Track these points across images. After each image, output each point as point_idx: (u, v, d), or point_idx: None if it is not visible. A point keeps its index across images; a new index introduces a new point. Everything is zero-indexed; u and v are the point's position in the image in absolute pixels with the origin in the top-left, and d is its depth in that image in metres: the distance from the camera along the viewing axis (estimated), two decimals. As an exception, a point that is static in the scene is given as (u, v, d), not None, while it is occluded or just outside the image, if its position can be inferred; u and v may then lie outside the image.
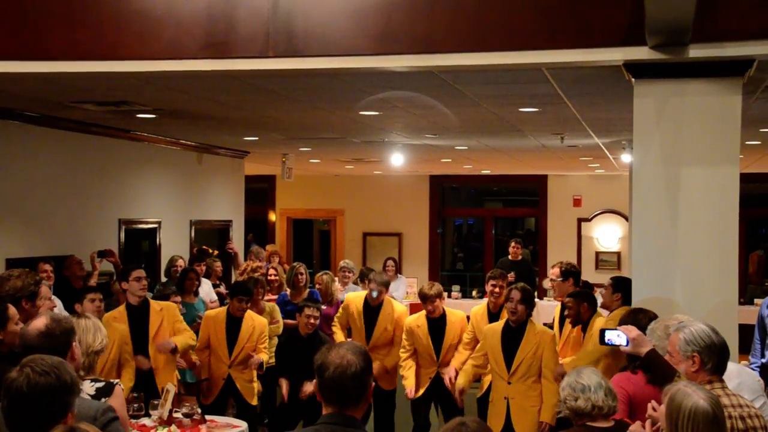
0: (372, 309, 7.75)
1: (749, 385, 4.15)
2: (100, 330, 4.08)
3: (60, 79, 6.06)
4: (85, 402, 3.36)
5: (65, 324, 3.53)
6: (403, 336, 7.48)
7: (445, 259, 18.47)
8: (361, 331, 7.74)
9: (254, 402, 7.35)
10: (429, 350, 7.32)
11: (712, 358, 3.60)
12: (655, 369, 3.72)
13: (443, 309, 7.39)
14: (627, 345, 3.95)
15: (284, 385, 7.31)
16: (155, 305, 6.81)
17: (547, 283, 13.68)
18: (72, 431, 2.52)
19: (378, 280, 7.69)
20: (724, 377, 3.87)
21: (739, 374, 4.17)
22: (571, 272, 7.05)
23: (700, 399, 3.03)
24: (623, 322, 4.56)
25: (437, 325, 7.33)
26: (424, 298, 7.29)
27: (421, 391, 7.39)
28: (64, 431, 2.52)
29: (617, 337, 4.00)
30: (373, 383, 2.97)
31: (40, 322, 3.47)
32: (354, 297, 8.02)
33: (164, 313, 6.76)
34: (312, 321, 7.20)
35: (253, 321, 7.37)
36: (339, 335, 7.93)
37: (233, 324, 7.31)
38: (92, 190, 9.41)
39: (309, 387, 6.97)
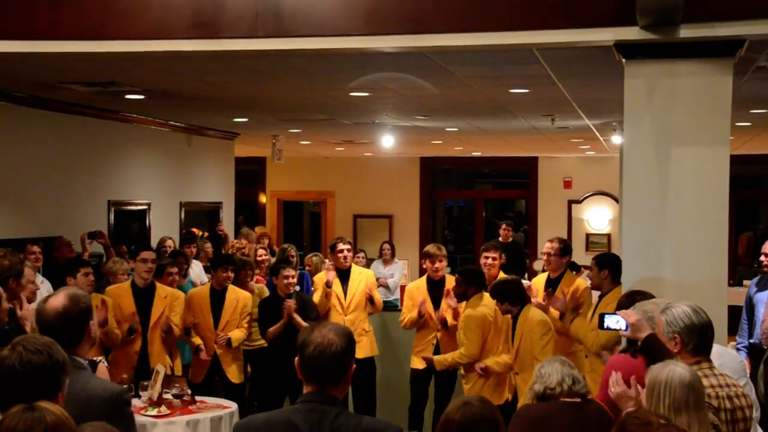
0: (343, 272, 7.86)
1: (731, 366, 4.14)
2: None
3: (46, 59, 6.00)
4: (99, 383, 3.32)
5: (83, 303, 3.43)
6: (404, 299, 7.61)
7: (436, 241, 18.44)
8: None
9: (237, 380, 7.38)
10: (429, 311, 7.38)
11: (693, 338, 3.59)
12: (654, 353, 3.73)
13: (444, 273, 7.57)
14: (626, 330, 3.95)
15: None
16: (161, 291, 6.84)
17: (538, 265, 13.68)
18: (31, 409, 2.48)
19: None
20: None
21: (720, 355, 4.16)
22: (568, 249, 7.04)
23: (677, 367, 3.12)
24: (620, 304, 4.55)
25: (436, 287, 7.41)
26: (431, 255, 7.42)
27: (424, 364, 7.36)
28: (23, 409, 2.50)
29: (616, 322, 3.99)
30: (355, 365, 2.96)
31: (58, 302, 3.37)
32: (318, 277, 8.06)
33: (168, 301, 6.81)
34: (290, 280, 7.29)
35: (236, 294, 7.42)
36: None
37: (217, 299, 7.34)
38: (81, 171, 9.35)
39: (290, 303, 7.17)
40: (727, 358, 4.28)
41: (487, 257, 7.30)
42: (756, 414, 4.12)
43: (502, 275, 7.25)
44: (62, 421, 2.46)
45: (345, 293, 7.80)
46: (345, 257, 7.82)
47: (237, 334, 7.35)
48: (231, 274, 7.41)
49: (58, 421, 2.45)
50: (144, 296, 6.75)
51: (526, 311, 6.30)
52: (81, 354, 3.36)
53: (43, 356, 2.80)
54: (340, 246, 7.85)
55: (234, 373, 7.34)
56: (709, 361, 3.64)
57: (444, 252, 7.55)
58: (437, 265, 7.42)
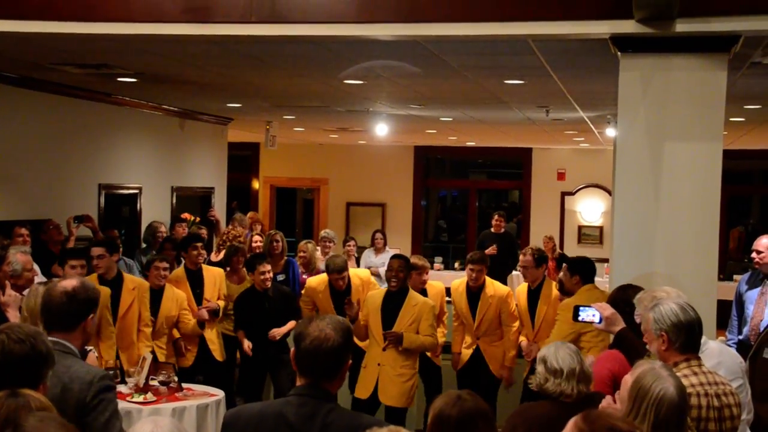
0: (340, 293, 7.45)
1: (729, 366, 4.05)
2: None
3: (37, 39, 5.94)
4: (84, 366, 3.30)
5: (92, 294, 3.41)
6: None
7: (428, 230, 18.46)
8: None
9: (221, 358, 7.44)
10: None
11: (680, 336, 3.55)
12: (625, 348, 3.71)
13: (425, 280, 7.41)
14: (600, 323, 3.92)
15: (244, 341, 7.34)
16: (129, 283, 6.68)
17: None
18: (14, 396, 2.45)
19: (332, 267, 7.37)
20: (705, 356, 3.86)
21: (720, 354, 4.10)
22: (543, 258, 7.01)
23: (670, 386, 2.99)
24: (613, 295, 4.53)
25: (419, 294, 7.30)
26: (416, 268, 7.16)
27: None
28: (6, 395, 2.46)
29: (591, 315, 3.97)
30: (350, 361, 2.93)
31: (69, 284, 3.37)
32: (317, 283, 7.61)
33: (136, 293, 6.64)
34: (267, 276, 7.26)
35: (210, 270, 7.53)
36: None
37: (194, 279, 7.37)
38: (72, 153, 9.28)
39: (276, 330, 7.18)
40: (726, 357, 4.16)
41: (471, 270, 7.08)
42: (747, 416, 4.09)
43: (489, 281, 7.16)
44: (46, 408, 2.42)
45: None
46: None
47: (221, 304, 7.46)
48: (203, 252, 7.54)
49: (43, 408, 2.41)
50: (112, 287, 6.47)
51: (413, 293, 6.54)
52: (71, 341, 3.32)
53: (26, 346, 2.74)
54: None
55: (218, 352, 7.43)
56: (698, 358, 3.61)
57: (426, 263, 7.38)
58: (424, 277, 7.27)
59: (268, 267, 7.33)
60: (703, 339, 4.05)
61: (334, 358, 2.81)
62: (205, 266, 7.52)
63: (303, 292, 7.76)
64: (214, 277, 7.47)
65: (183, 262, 7.62)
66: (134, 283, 6.74)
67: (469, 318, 7.12)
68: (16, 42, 6.25)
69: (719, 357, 4.04)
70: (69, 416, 2.96)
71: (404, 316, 6.44)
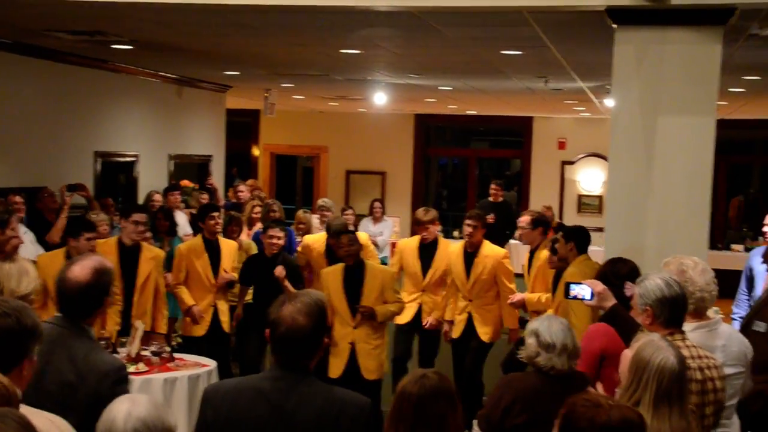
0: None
1: (733, 352, 3.97)
2: (27, 274, 3.85)
3: (30, 4, 5.91)
4: (101, 356, 3.29)
5: (106, 278, 3.36)
6: (394, 256, 7.61)
7: (429, 199, 18.43)
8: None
9: (228, 330, 7.42)
10: (416, 271, 7.36)
11: (664, 311, 3.57)
12: (618, 323, 3.70)
13: (436, 235, 7.52)
14: (591, 299, 3.92)
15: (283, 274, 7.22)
16: (147, 252, 6.62)
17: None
18: None
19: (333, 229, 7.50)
20: (712, 335, 3.86)
21: (728, 337, 4.02)
22: (540, 221, 7.02)
23: (670, 356, 3.03)
24: (603, 269, 4.52)
25: (428, 247, 7.38)
26: (419, 223, 7.40)
27: (407, 319, 7.32)
28: None
29: (582, 290, 3.97)
30: (327, 340, 2.95)
31: (82, 276, 3.28)
32: (313, 241, 7.89)
33: (154, 263, 6.63)
34: (275, 241, 7.24)
35: (226, 242, 7.49)
36: None
37: (212, 249, 7.30)
38: (68, 120, 9.24)
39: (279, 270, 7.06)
40: (734, 343, 4.04)
41: (468, 225, 7.11)
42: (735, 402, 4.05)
43: (486, 243, 7.19)
44: (5, 388, 2.37)
45: None
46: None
47: (235, 276, 7.44)
48: (220, 221, 7.45)
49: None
50: (129, 255, 6.50)
51: (371, 265, 6.60)
52: (90, 323, 3.34)
53: (11, 320, 2.70)
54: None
55: (227, 324, 7.38)
56: (682, 332, 3.63)
57: (431, 216, 7.41)
58: (424, 233, 7.36)
59: (281, 234, 7.32)
60: (716, 318, 4.04)
61: (307, 345, 2.85)
62: (221, 238, 7.43)
63: (299, 249, 7.94)
64: (230, 249, 7.40)
65: (201, 231, 7.54)
66: (152, 252, 6.70)
67: (463, 276, 7.07)
68: (8, 6, 6.21)
69: (726, 340, 3.98)
70: (80, 405, 3.02)
71: (369, 291, 6.48)
